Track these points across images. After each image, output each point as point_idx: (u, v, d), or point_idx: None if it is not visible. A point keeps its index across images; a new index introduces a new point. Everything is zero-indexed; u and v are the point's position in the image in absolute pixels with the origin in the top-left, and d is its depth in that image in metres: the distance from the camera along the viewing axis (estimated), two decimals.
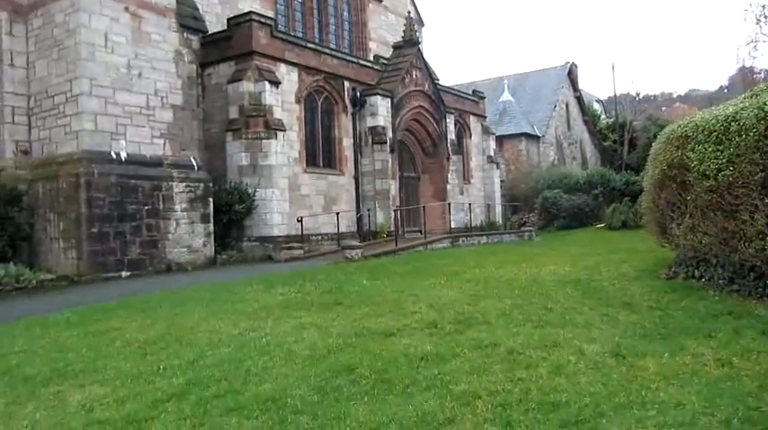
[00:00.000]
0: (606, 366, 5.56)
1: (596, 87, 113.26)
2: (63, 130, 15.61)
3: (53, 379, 6.15)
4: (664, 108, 52.49)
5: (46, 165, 15.85)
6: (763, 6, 33.95)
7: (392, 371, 5.63)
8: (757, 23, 32.97)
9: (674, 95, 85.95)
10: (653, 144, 12.02)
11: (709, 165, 8.60)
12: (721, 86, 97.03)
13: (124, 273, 15.39)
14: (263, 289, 11.18)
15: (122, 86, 15.96)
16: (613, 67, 59.51)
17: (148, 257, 16.02)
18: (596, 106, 50.99)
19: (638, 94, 48.92)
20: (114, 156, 15.68)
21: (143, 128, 16.42)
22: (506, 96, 39.95)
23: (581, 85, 46.17)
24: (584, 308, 8.26)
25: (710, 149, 8.66)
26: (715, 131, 8.68)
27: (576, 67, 44.64)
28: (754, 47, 37.04)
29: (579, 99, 45.66)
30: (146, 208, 16.04)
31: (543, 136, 40.12)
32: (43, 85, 16.04)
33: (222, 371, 5.98)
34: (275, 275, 13.36)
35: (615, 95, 45.07)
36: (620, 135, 42.36)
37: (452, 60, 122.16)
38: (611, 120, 47.19)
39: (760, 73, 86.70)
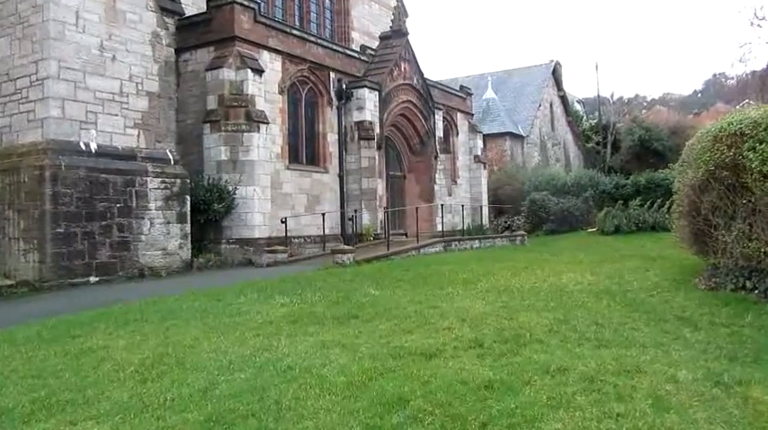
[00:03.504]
0: (714, 397, 4.78)
1: (575, 87, 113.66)
2: (26, 118, 14.03)
3: (35, 413, 4.94)
4: (644, 111, 51.93)
5: (5, 156, 14.22)
6: (755, 9, 33.54)
7: (457, 405, 4.71)
8: (751, 25, 32.59)
9: (649, 99, 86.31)
10: (688, 143, 11.11)
11: None
12: (695, 91, 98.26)
13: (92, 279, 13.86)
14: (260, 298, 9.99)
15: (94, 70, 14.42)
16: (597, 68, 58.92)
17: (119, 261, 14.51)
18: (578, 107, 50.33)
19: (612, 96, 48.52)
20: (83, 147, 14.14)
21: (115, 116, 14.89)
22: (490, 94, 38.86)
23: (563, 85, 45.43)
24: (637, 323, 7.48)
25: None
26: None
27: (561, 65, 43.83)
28: (749, 49, 36.77)
29: (563, 99, 44.86)
30: (117, 205, 14.52)
31: (528, 136, 39.17)
32: (4, 66, 14.45)
33: (245, 403, 4.88)
34: (266, 283, 12.04)
35: (599, 96, 44.43)
36: (604, 137, 41.71)
37: (434, 54, 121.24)
38: (594, 121, 46.54)
39: (732, 78, 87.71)
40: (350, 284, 11.48)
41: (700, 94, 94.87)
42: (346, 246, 16.95)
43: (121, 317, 8.92)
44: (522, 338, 6.71)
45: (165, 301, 10.24)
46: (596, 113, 46.77)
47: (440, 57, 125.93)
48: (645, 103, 72.50)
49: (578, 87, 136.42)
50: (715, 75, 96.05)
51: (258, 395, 5.05)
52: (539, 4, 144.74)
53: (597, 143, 43.72)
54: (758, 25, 33.31)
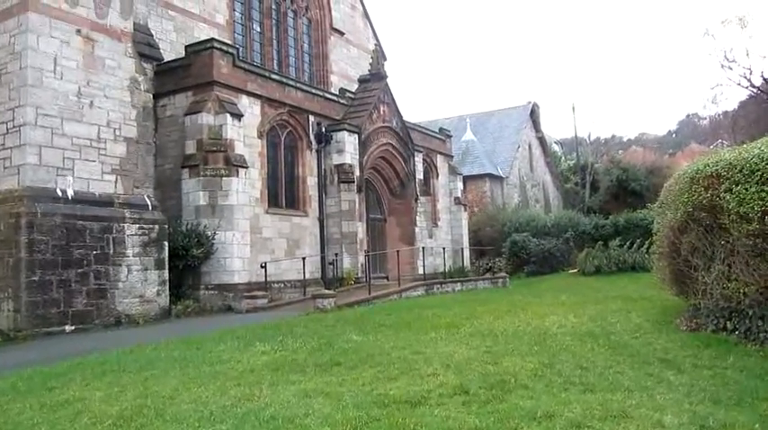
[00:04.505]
0: None
1: (553, 128, 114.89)
2: (2, 165, 13.88)
3: None
4: (620, 151, 52.64)
5: None
6: (725, 52, 34.43)
7: None
8: (722, 68, 33.44)
9: (625, 139, 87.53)
10: (666, 185, 11.23)
11: (753, 207, 7.76)
12: (669, 131, 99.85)
13: (68, 328, 13.56)
14: (240, 346, 9.73)
15: (71, 116, 14.33)
16: (574, 109, 59.63)
17: (95, 309, 14.23)
18: (556, 147, 50.90)
19: (589, 137, 49.18)
20: (60, 193, 13.97)
21: (93, 162, 14.76)
22: (469, 136, 39.16)
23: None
24: (622, 367, 7.41)
25: (753, 190, 7.82)
26: (759, 170, 7.83)
27: (538, 107, 44.39)
28: (720, 92, 37.79)
29: (542, 140, 45.36)
30: (94, 252, 14.29)
31: (507, 177, 39.41)
32: None
33: None
34: (246, 329, 11.82)
35: (576, 137, 44.97)
36: (582, 177, 42.09)
37: (413, 97, 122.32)
38: (573, 162, 47.02)
39: (705, 119, 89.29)
40: (332, 330, 11.29)
41: (674, 134, 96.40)
42: (327, 291, 16.77)
43: (98, 367, 8.67)
44: (507, 384, 6.60)
45: (143, 351, 9.99)
46: (574, 154, 47.27)
47: (418, 99, 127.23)
48: (621, 144, 73.51)
49: (556, 128, 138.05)
50: (689, 115, 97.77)
51: None
52: (515, 47, 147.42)
53: (576, 183, 44.10)
54: (729, 67, 34.22)
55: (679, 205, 9.62)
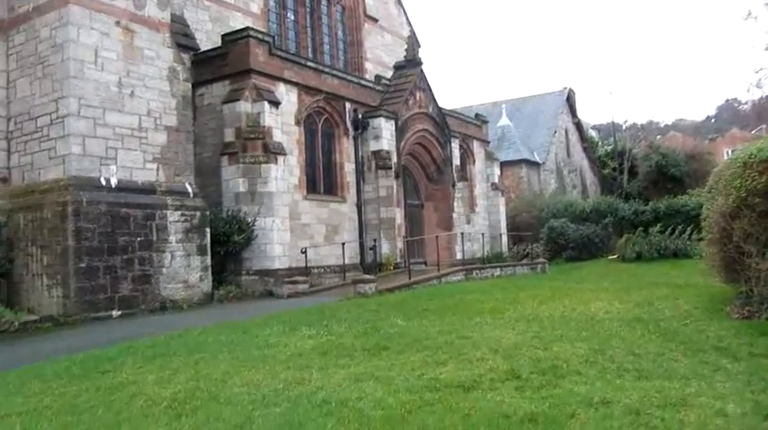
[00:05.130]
0: None
1: (589, 114, 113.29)
2: (47, 155, 14.07)
3: None
4: (658, 136, 51.71)
5: (28, 193, 14.29)
6: None
7: None
8: (766, 50, 32.61)
9: (662, 125, 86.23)
10: (716, 170, 10.99)
11: None
12: (708, 116, 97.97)
13: (115, 313, 13.76)
14: (286, 331, 9.79)
15: (113, 106, 14.46)
16: (611, 94, 58.90)
17: (141, 294, 14.41)
18: (592, 133, 50.20)
19: (625, 122, 48.45)
20: (104, 182, 14.14)
21: (135, 151, 14.91)
22: (504, 121, 38.78)
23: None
24: (675, 354, 7.26)
25: None
26: None
27: (574, 92, 43.79)
28: (765, 75, 36.84)
29: (578, 125, 44.77)
30: (138, 239, 14.47)
31: (544, 163, 39.01)
32: (25, 105, 14.54)
33: None
34: (290, 314, 11.93)
35: (613, 123, 44.35)
36: (620, 163, 41.46)
37: (447, 83, 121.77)
38: (610, 147, 46.34)
39: (746, 103, 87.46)
40: (375, 315, 11.30)
41: (713, 120, 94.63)
42: (368, 276, 16.79)
43: (149, 351, 8.80)
44: (559, 369, 6.53)
45: (190, 335, 10.11)
46: (611, 140, 46.59)
47: (453, 85, 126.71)
48: (658, 129, 72.37)
49: (592, 114, 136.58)
50: (728, 100, 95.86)
51: None
52: (550, 32, 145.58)
53: (613, 169, 43.48)
54: None
55: (731, 190, 9.40)
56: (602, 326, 9.18)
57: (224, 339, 9.38)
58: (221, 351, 8.41)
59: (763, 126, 54.86)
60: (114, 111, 14.52)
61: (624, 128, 49.08)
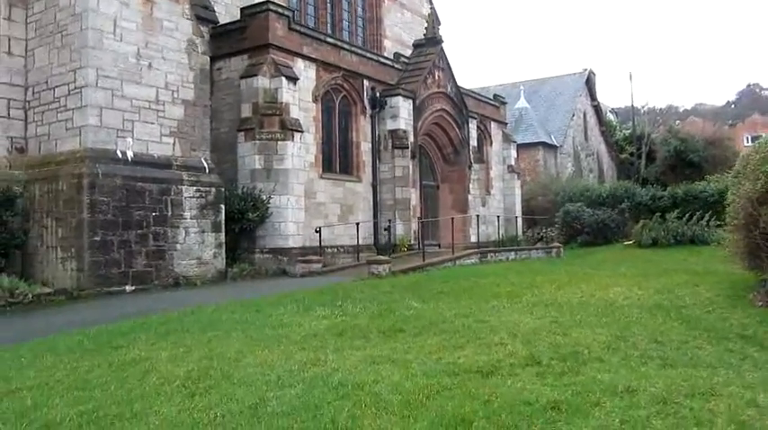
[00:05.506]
0: None
1: (607, 97, 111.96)
2: (64, 126, 13.99)
3: (83, 428, 4.72)
4: (677, 121, 51.09)
5: (44, 164, 14.21)
6: None
7: (524, 428, 4.45)
8: None
9: (681, 109, 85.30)
10: (743, 154, 10.76)
11: None
12: (728, 101, 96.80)
13: (128, 288, 13.74)
14: (299, 310, 9.70)
15: (130, 78, 14.33)
16: (631, 77, 58.06)
17: (154, 270, 14.38)
18: (611, 117, 49.61)
19: (643, 107, 47.80)
20: (120, 155, 14.05)
21: (152, 124, 14.79)
22: (522, 103, 38.36)
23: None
24: (698, 342, 7.12)
25: None
26: None
27: (594, 74, 43.20)
28: None
29: (597, 108, 44.21)
30: (153, 214, 14.40)
31: (561, 146, 38.62)
32: (43, 75, 14.44)
33: (299, 422, 4.63)
34: (304, 293, 11.82)
35: (633, 106, 43.71)
36: (638, 147, 40.95)
37: (465, 63, 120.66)
38: (629, 131, 45.79)
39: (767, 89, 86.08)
40: (389, 296, 11.20)
41: (733, 105, 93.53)
42: (382, 257, 16.67)
43: (161, 327, 8.74)
44: (580, 356, 6.40)
45: (203, 312, 10.05)
46: (629, 124, 46.02)
47: (471, 65, 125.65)
48: (677, 114, 71.56)
49: (610, 97, 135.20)
50: (749, 85, 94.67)
51: (312, 413, 4.79)
52: (568, 12, 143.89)
53: (631, 154, 42.98)
54: None
55: (759, 175, 9.20)
56: (622, 312, 9.05)
57: (237, 317, 9.31)
58: (235, 329, 8.34)
59: None
60: (132, 83, 14.39)
61: (643, 112, 48.42)
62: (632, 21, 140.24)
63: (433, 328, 7.94)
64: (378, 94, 21.49)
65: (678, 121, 50.50)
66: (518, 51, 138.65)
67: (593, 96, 43.82)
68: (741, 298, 10.32)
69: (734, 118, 73.01)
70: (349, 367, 6.14)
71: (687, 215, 25.09)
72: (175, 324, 8.97)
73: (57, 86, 14.16)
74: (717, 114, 74.32)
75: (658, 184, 32.28)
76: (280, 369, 6.14)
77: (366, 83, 21.29)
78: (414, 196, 22.03)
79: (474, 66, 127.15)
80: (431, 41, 24.50)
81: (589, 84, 43.18)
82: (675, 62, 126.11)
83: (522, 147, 34.94)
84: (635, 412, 4.69)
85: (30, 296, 12.41)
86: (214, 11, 17.46)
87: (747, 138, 61.47)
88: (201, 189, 15.54)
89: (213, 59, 17.42)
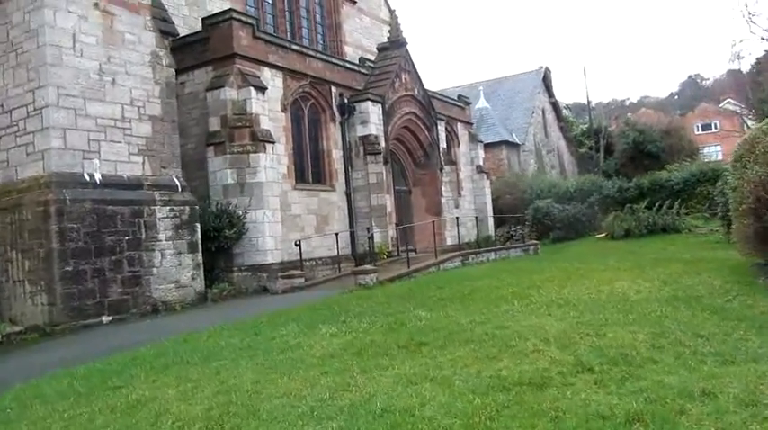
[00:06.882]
0: None
1: (558, 94, 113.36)
2: (24, 151, 13.05)
3: None
4: (630, 114, 51.71)
5: (4, 193, 13.23)
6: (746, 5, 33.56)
7: None
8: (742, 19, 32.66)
9: (627, 103, 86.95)
10: (747, 137, 10.58)
11: None
12: (671, 93, 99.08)
13: (105, 319, 12.87)
14: (302, 329, 9.06)
15: (94, 95, 13.48)
16: (585, 72, 58.64)
17: (131, 297, 13.53)
18: (565, 112, 49.97)
19: (589, 102, 48.27)
20: (88, 178, 13.17)
21: (119, 143, 13.95)
22: (482, 103, 38.17)
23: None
24: (740, 333, 6.92)
25: None
26: None
27: (550, 71, 43.42)
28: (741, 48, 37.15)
29: (555, 105, 44.43)
30: (126, 238, 13.56)
31: (523, 144, 38.60)
32: None
33: None
34: (297, 311, 11.23)
35: (588, 101, 44.13)
36: (596, 141, 41.24)
37: (422, 66, 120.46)
38: (586, 126, 46.15)
39: (708, 79, 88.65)
40: (390, 307, 10.65)
41: (677, 96, 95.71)
42: (368, 267, 16.09)
43: (157, 360, 7.99)
44: (630, 358, 6.02)
45: (197, 339, 9.34)
46: (585, 118, 46.36)
47: (427, 68, 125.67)
48: (624, 108, 72.93)
49: (561, 93, 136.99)
50: (690, 76, 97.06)
51: None
52: (519, 11, 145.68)
53: (590, 148, 43.29)
54: (751, 21, 33.38)
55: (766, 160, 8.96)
56: (642, 307, 8.78)
57: (237, 343, 8.66)
58: (240, 356, 7.69)
59: (727, 99, 56.17)
60: (96, 101, 13.55)
61: (593, 107, 48.87)
62: (578, 19, 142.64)
63: (456, 339, 7.45)
64: (346, 101, 20.95)
65: (630, 114, 51.10)
66: (472, 52, 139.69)
67: (550, 93, 44.02)
68: (751, 284, 10.19)
69: (679, 108, 74.60)
70: (385, 390, 5.60)
71: (657, 205, 25.22)
72: (171, 355, 8.21)
73: (14, 109, 13.22)
74: (663, 105, 75.73)
75: (618, 177, 32.49)
76: (309, 398, 5.57)
77: (334, 89, 20.73)
78: (389, 202, 21.55)
79: (431, 68, 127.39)
80: (395, 44, 24.09)
81: (546, 81, 43.35)
82: (618, 57, 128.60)
83: (485, 146, 34.73)
84: (726, 418, 4.38)
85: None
86: (173, 23, 16.70)
87: (698, 127, 62.68)
88: (175, 208, 14.76)
89: (176, 73, 16.62)
